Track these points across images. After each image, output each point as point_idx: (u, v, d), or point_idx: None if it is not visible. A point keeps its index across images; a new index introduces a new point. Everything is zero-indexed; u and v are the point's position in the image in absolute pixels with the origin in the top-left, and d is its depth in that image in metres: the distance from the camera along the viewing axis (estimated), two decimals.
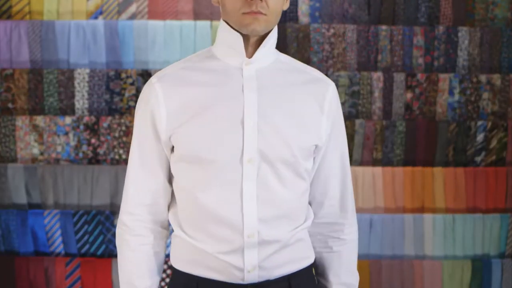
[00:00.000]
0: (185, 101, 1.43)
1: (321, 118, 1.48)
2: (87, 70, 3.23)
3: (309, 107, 1.47)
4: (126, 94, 3.25)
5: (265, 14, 1.37)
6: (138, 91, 3.25)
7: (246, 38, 1.43)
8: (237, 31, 1.42)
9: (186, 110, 1.42)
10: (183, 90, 1.44)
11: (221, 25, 1.46)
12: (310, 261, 1.54)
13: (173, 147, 1.45)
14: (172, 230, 1.53)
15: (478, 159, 3.31)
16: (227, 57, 1.45)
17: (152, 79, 1.47)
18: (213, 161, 1.39)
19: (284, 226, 1.43)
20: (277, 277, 1.46)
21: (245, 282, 1.43)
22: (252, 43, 1.44)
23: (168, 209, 1.52)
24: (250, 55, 1.44)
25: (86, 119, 3.22)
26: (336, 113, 1.52)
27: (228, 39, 1.44)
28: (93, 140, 3.23)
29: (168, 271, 3.19)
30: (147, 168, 1.46)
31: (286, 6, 1.46)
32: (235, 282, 1.43)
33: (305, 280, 1.50)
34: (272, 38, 1.45)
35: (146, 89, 1.47)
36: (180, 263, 1.49)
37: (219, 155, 1.39)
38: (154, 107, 1.44)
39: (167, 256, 3.20)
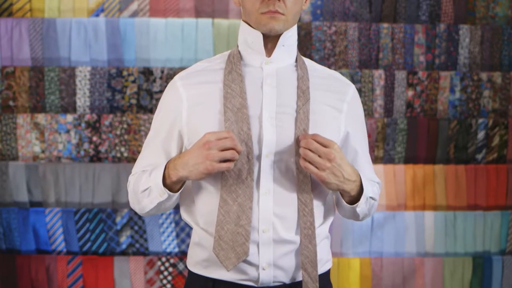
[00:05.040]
0: (204, 96, 1.47)
1: (339, 120, 1.50)
2: (89, 68, 3.22)
3: (327, 109, 1.49)
4: (128, 92, 3.25)
5: (282, 14, 1.41)
6: (140, 89, 3.24)
7: (266, 38, 1.46)
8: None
9: (205, 105, 1.46)
10: (203, 86, 1.49)
11: (242, 25, 1.50)
12: (328, 266, 1.55)
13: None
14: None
15: (479, 156, 3.32)
16: (248, 56, 1.49)
17: (175, 78, 1.52)
18: None
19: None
20: (293, 282, 1.47)
21: (259, 285, 1.44)
22: (272, 43, 1.46)
23: (184, 209, 1.55)
24: (270, 54, 1.47)
25: (87, 117, 3.22)
26: (355, 114, 1.55)
27: (248, 39, 1.47)
28: (94, 138, 3.23)
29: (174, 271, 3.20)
30: (154, 150, 1.53)
31: (305, 6, 1.49)
32: (250, 284, 1.44)
33: (322, 286, 1.51)
34: (291, 39, 1.48)
35: (169, 87, 1.53)
36: (197, 266, 1.51)
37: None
38: (175, 103, 1.49)
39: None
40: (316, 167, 1.37)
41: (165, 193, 1.44)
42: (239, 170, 1.39)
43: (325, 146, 1.37)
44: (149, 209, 1.49)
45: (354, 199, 1.48)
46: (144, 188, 1.47)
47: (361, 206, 1.49)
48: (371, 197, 1.51)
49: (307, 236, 1.42)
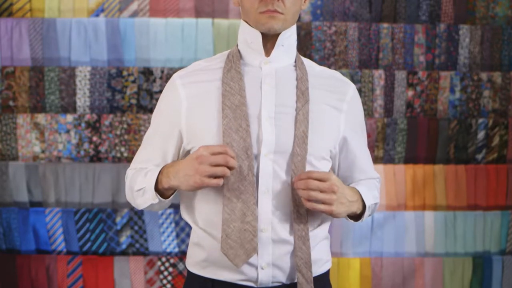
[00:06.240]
0: (203, 95, 1.47)
1: (339, 119, 1.50)
2: (89, 68, 3.22)
3: (327, 108, 1.49)
4: (128, 92, 3.25)
5: (281, 13, 1.41)
6: (140, 89, 3.24)
7: (265, 37, 1.46)
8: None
9: (204, 104, 1.46)
10: (202, 85, 1.49)
11: (242, 25, 1.50)
12: (328, 266, 1.55)
13: (189, 150, 1.50)
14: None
15: (479, 156, 3.32)
16: (248, 56, 1.49)
17: (174, 76, 1.53)
18: None
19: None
20: (292, 282, 1.47)
21: (258, 286, 1.44)
22: (271, 43, 1.46)
23: (183, 208, 1.55)
24: (269, 54, 1.47)
25: (87, 117, 3.22)
26: (355, 113, 1.55)
27: (247, 39, 1.47)
28: (94, 138, 3.23)
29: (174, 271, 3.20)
30: (152, 148, 1.56)
31: (304, 6, 1.49)
32: (249, 284, 1.44)
33: (321, 287, 1.51)
34: (290, 39, 1.48)
35: (168, 86, 1.53)
36: (196, 266, 1.51)
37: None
38: (174, 102, 1.49)
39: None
40: (323, 203, 1.38)
41: (157, 198, 1.46)
42: (240, 167, 1.39)
43: (322, 180, 1.37)
44: (143, 207, 1.52)
45: (359, 214, 1.51)
46: (139, 188, 1.49)
47: (365, 218, 1.53)
48: (373, 203, 1.54)
49: (300, 237, 1.42)
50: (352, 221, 1.52)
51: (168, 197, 1.48)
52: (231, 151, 1.34)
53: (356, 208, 1.46)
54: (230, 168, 1.34)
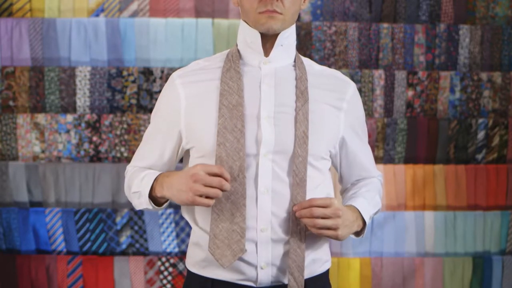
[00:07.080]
0: (202, 95, 1.47)
1: (339, 118, 1.50)
2: (89, 68, 3.22)
3: (327, 108, 1.49)
4: (128, 92, 3.25)
5: (280, 13, 1.41)
6: (140, 89, 3.24)
7: (264, 37, 1.46)
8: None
9: (203, 103, 1.46)
10: (201, 84, 1.49)
11: (241, 25, 1.50)
12: (327, 266, 1.55)
13: (188, 149, 1.50)
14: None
15: (479, 156, 3.32)
16: (247, 55, 1.49)
17: (173, 75, 1.52)
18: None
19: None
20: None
21: (257, 285, 1.44)
22: (271, 43, 1.46)
23: (184, 207, 1.55)
24: (268, 54, 1.47)
25: (87, 117, 3.22)
26: (355, 112, 1.55)
27: (247, 39, 1.47)
28: (94, 138, 3.23)
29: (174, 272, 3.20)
30: (150, 147, 1.56)
31: (304, 6, 1.49)
32: (249, 284, 1.44)
33: (320, 287, 1.51)
34: (290, 38, 1.48)
35: (167, 85, 1.53)
36: (196, 266, 1.51)
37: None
38: (174, 102, 1.49)
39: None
40: (328, 228, 1.38)
41: (150, 204, 1.48)
42: (231, 168, 1.39)
43: (326, 206, 1.37)
44: (139, 208, 1.53)
45: (361, 229, 1.52)
46: (135, 191, 1.51)
47: (366, 230, 1.53)
48: (373, 212, 1.55)
49: (296, 240, 1.42)
50: (353, 236, 1.53)
51: (161, 205, 1.50)
52: (227, 174, 1.34)
53: (356, 226, 1.47)
54: (223, 190, 1.34)
